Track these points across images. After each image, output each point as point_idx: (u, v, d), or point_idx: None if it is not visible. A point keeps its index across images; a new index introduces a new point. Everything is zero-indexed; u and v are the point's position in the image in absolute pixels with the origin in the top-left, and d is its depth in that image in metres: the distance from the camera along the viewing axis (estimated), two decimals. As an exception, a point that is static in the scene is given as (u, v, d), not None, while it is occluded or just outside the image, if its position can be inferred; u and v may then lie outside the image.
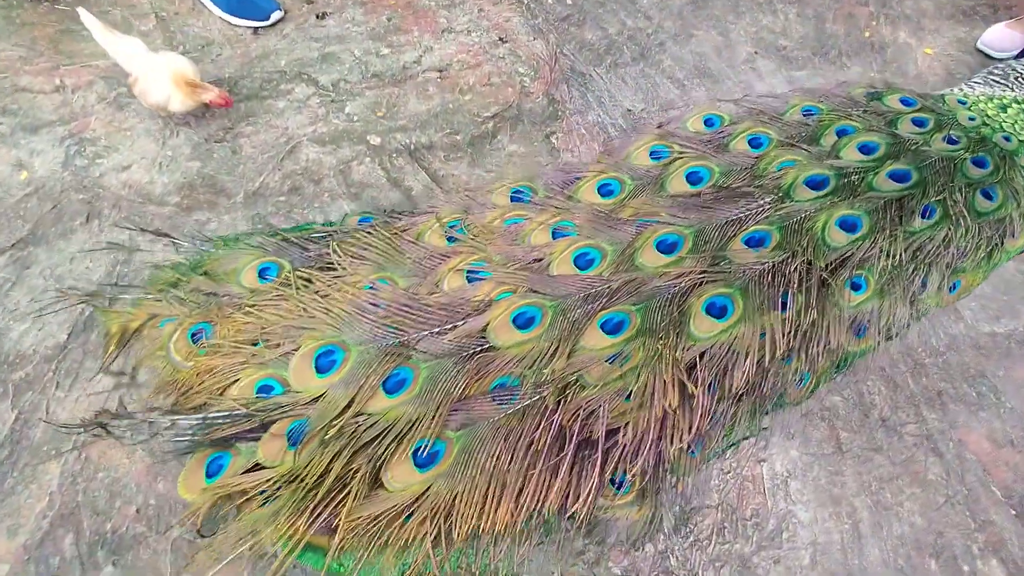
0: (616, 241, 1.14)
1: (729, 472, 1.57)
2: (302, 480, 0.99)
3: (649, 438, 1.03)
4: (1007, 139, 1.25)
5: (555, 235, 1.19)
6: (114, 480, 1.40)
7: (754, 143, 1.27)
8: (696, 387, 1.03)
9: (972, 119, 1.28)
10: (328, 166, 2.00)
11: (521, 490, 1.02)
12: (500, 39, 2.43)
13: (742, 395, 1.12)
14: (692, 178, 1.23)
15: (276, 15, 2.25)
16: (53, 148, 1.92)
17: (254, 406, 1.03)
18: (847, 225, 1.14)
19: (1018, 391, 1.78)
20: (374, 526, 1.01)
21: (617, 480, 1.11)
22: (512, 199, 1.30)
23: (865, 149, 1.21)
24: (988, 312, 1.91)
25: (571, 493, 1.04)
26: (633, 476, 1.08)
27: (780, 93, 1.50)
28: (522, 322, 1.07)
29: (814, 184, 1.18)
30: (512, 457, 1.01)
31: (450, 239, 1.24)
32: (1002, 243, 1.20)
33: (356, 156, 2.06)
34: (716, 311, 1.08)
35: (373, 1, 2.43)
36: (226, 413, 1.05)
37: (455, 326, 1.06)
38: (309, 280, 1.18)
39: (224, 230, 1.81)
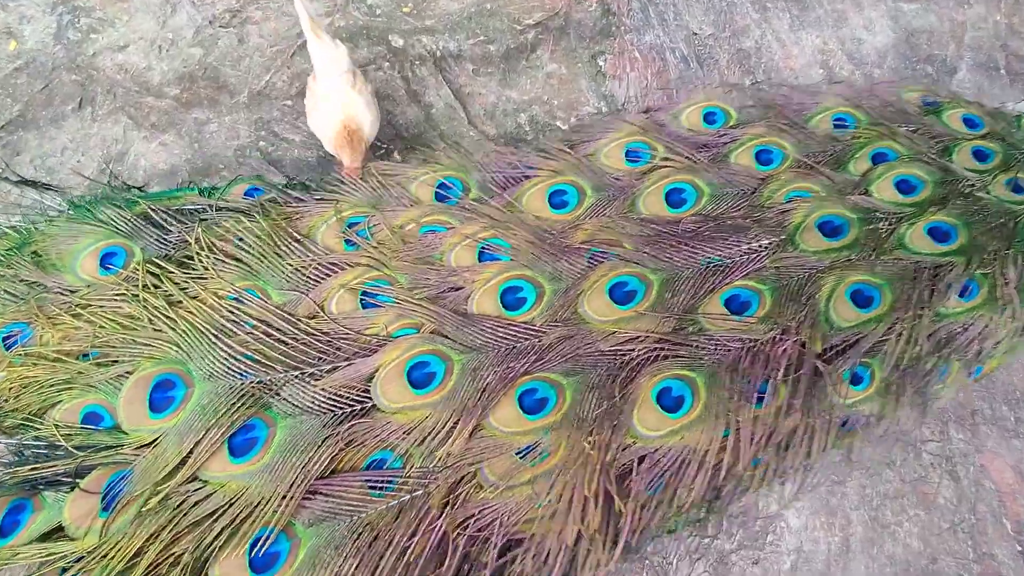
0: (559, 276, 0.90)
1: (725, 467, 1.50)
2: (107, 560, 0.77)
3: (557, 560, 0.81)
4: None
5: (482, 256, 0.94)
6: None
7: (763, 158, 1.01)
8: (626, 505, 0.81)
9: None
10: (342, 69, 1.79)
11: None
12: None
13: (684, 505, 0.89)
14: (673, 198, 0.98)
15: None
16: (44, 15, 1.74)
17: (77, 439, 0.83)
18: (861, 298, 0.90)
19: (1063, 422, 1.62)
20: None
21: None
22: (436, 196, 1.03)
23: (904, 186, 0.94)
24: (1055, 329, 1.70)
25: None
26: None
27: (813, 86, 1.15)
28: (419, 377, 0.85)
29: (829, 230, 0.92)
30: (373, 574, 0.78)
31: (348, 242, 0.98)
32: None
33: (374, 59, 1.82)
34: (669, 402, 0.85)
35: None
36: (45, 442, 0.85)
37: (335, 366, 0.84)
38: (159, 278, 0.93)
39: (225, 134, 1.66)
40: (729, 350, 0.86)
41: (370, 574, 0.78)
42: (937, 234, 0.92)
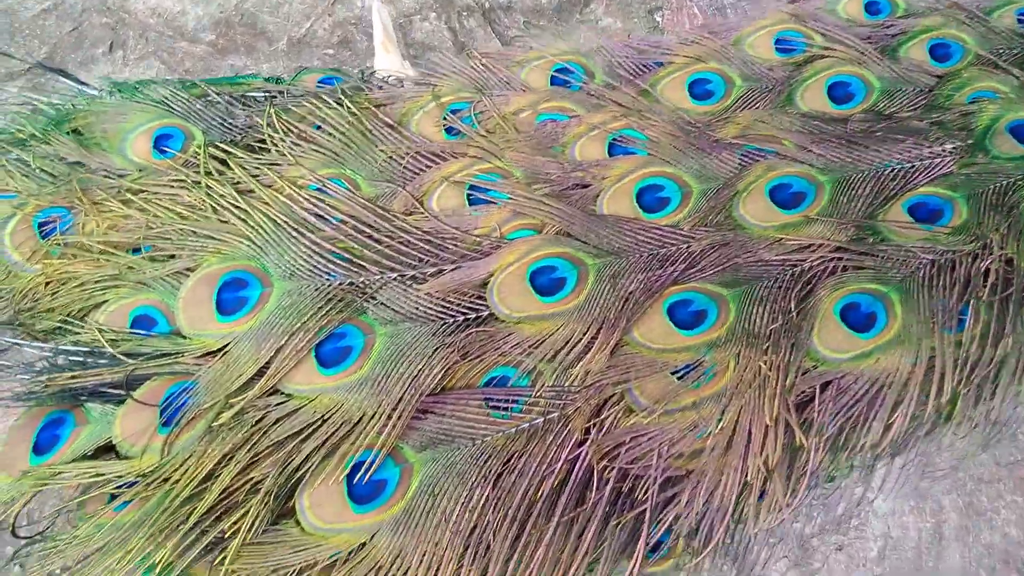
0: (708, 175, 0.78)
1: (804, 444, 1.38)
2: (171, 484, 0.67)
3: (730, 501, 0.70)
4: None
5: (613, 149, 0.82)
6: None
7: (939, 52, 0.89)
8: (809, 440, 0.70)
9: None
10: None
11: (508, 562, 0.67)
12: None
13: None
14: (837, 92, 0.87)
15: None
16: (74, -45, 1.64)
17: (126, 345, 0.72)
18: None
19: None
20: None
21: (652, 542, 0.75)
22: (553, 81, 0.90)
23: None
24: None
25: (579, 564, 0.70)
26: (677, 539, 0.74)
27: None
28: (545, 284, 0.74)
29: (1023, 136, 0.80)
30: (503, 511, 0.66)
31: (450, 130, 0.86)
32: None
33: (420, 8, 1.71)
34: (858, 319, 0.73)
35: None
36: (86, 348, 0.74)
37: (440, 270, 0.73)
38: (226, 164, 0.81)
39: (262, 82, 1.56)
40: (923, 264, 0.73)
41: (504, 508, 0.66)
42: None
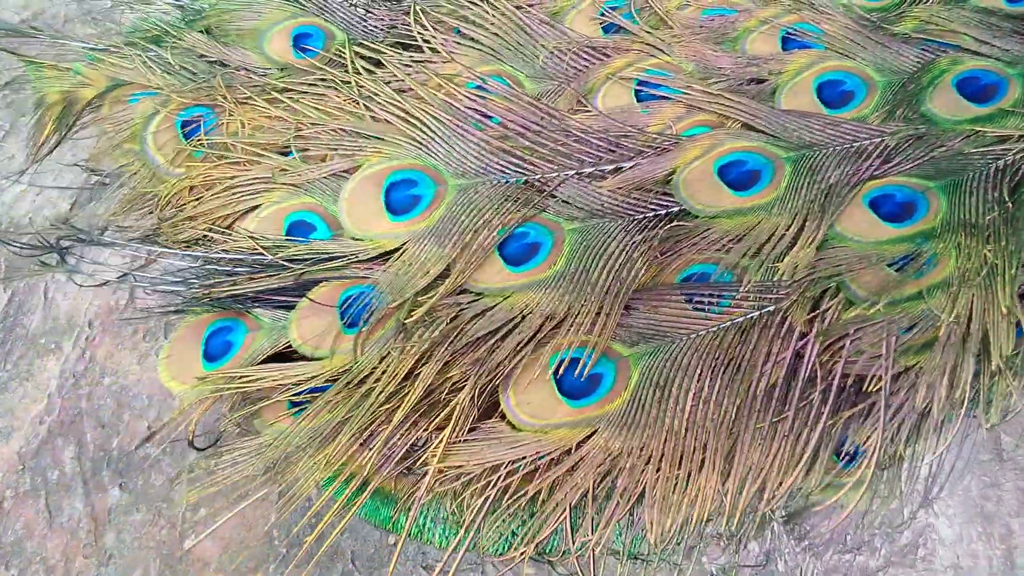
0: (890, 69, 0.74)
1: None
2: (363, 387, 0.64)
3: (961, 394, 0.73)
4: None
5: (787, 43, 0.79)
6: (122, 388, 1.16)
7: None
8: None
9: None
10: None
11: (732, 457, 0.68)
12: None
13: None
14: None
15: None
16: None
17: (286, 252, 0.69)
18: None
19: None
20: (482, 479, 0.66)
21: (846, 451, 0.77)
22: None
23: None
24: None
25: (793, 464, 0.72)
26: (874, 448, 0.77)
27: None
28: (736, 177, 0.71)
29: None
30: (731, 403, 0.66)
31: (609, 27, 0.82)
32: None
33: None
34: None
35: None
36: (238, 256, 0.70)
37: (619, 168, 0.70)
38: (378, 63, 0.78)
39: None
40: None
41: (731, 400, 0.65)
42: None
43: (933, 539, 1.24)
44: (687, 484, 0.68)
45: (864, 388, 0.71)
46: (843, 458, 0.80)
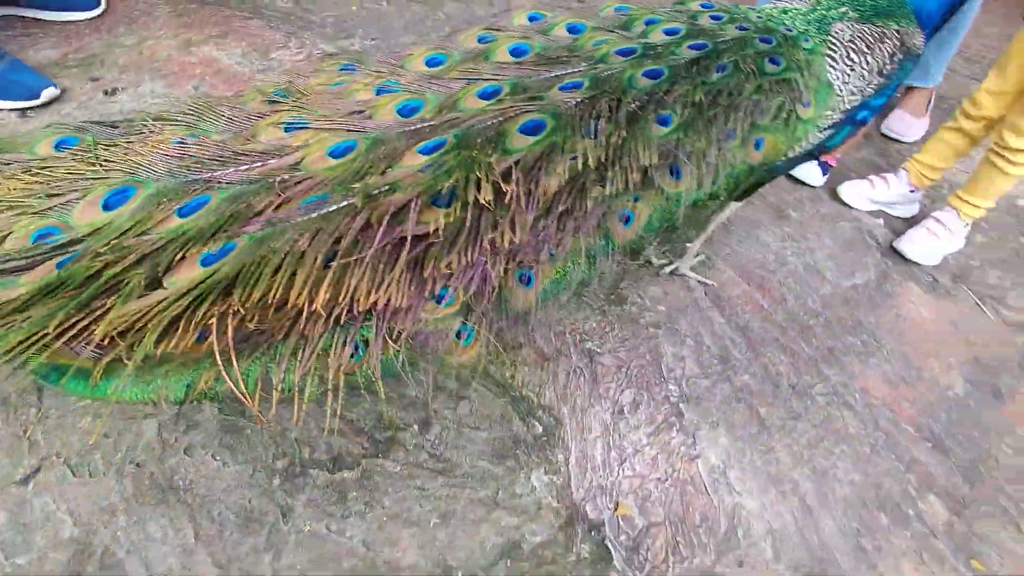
0: (440, 92, 1.16)
1: (666, 480, 1.42)
2: (64, 288, 0.88)
3: (464, 239, 1.01)
4: (789, 29, 1.39)
5: (380, 92, 1.17)
6: None
7: (572, 29, 1.34)
8: (509, 186, 1.03)
9: (760, 17, 1.42)
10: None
11: (324, 283, 0.95)
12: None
13: (563, 213, 1.11)
14: (515, 51, 1.26)
15: (49, 93, 1.93)
16: None
17: (29, 253, 0.92)
18: (652, 74, 1.21)
19: (891, 333, 1.87)
20: (147, 326, 0.90)
21: (438, 295, 1.06)
22: (341, 69, 1.31)
23: (670, 32, 1.32)
24: (844, 270, 2.04)
25: (387, 299, 0.99)
26: (455, 289, 1.05)
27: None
28: (338, 153, 1.04)
29: (625, 52, 1.25)
30: (311, 246, 0.94)
31: (272, 103, 1.21)
32: (795, 109, 1.30)
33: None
34: (530, 130, 1.09)
35: (176, 72, 2.21)
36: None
37: (266, 163, 1.02)
38: (114, 145, 1.08)
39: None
40: (569, 103, 1.13)
41: (309, 243, 0.95)
42: (696, 46, 1.28)
43: (744, 515, 1.39)
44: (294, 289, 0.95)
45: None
46: (438, 299, 1.06)
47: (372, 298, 0.96)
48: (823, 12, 1.43)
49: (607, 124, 1.13)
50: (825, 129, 1.42)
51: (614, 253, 1.22)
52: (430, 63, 1.25)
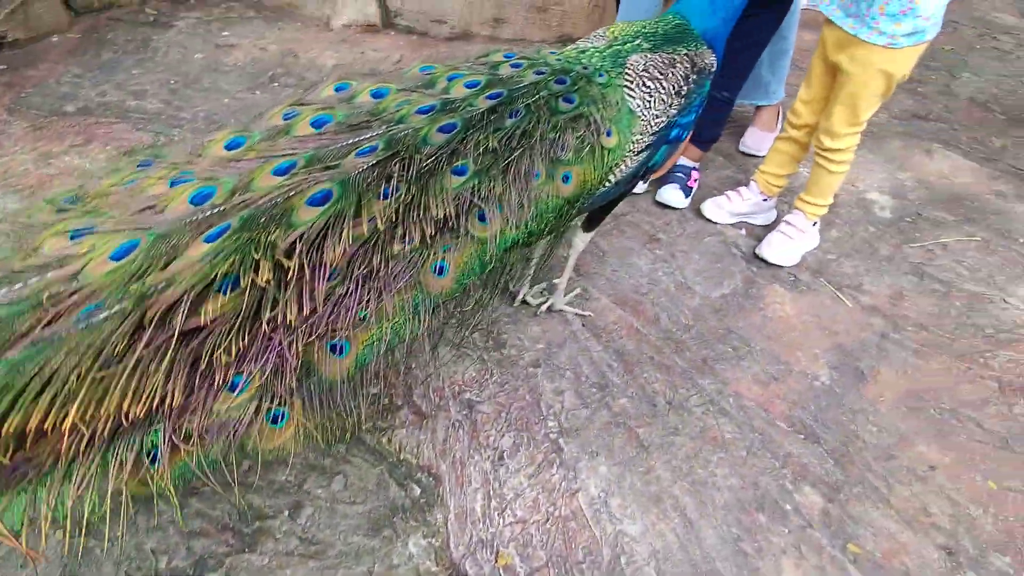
0: (235, 175, 1.15)
1: (547, 520, 1.42)
2: None
3: (241, 323, 1.00)
4: (586, 67, 1.50)
5: (174, 184, 1.16)
6: None
7: (377, 94, 1.37)
8: (291, 262, 1.04)
9: (559, 59, 1.52)
10: None
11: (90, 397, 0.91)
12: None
13: (364, 276, 1.13)
14: (317, 123, 1.28)
15: None
16: None
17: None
18: (446, 128, 1.26)
19: (759, 334, 1.96)
20: None
21: (231, 382, 1.03)
22: (139, 166, 1.28)
23: (470, 85, 1.38)
24: (711, 281, 2.14)
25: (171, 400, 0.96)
26: (248, 374, 1.03)
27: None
28: (119, 255, 1.02)
29: (424, 111, 1.30)
30: (75, 362, 0.90)
31: (61, 211, 1.17)
32: (597, 140, 1.40)
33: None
34: (318, 201, 1.11)
35: (34, 185, 2.16)
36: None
37: (44, 278, 0.98)
38: None
39: None
40: (360, 167, 1.16)
41: (76, 359, 0.91)
42: (492, 96, 1.35)
43: (626, 541, 1.40)
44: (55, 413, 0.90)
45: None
46: (232, 388, 1.04)
47: (139, 407, 0.93)
48: (618, 47, 1.56)
49: (399, 183, 1.17)
50: (640, 152, 1.52)
51: (438, 305, 1.25)
52: (230, 146, 1.26)
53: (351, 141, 1.22)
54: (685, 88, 1.55)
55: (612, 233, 2.29)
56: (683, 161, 2.50)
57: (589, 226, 1.79)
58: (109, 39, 3.05)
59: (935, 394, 1.82)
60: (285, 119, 1.30)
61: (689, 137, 1.73)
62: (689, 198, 2.46)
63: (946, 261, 2.31)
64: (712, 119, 2.41)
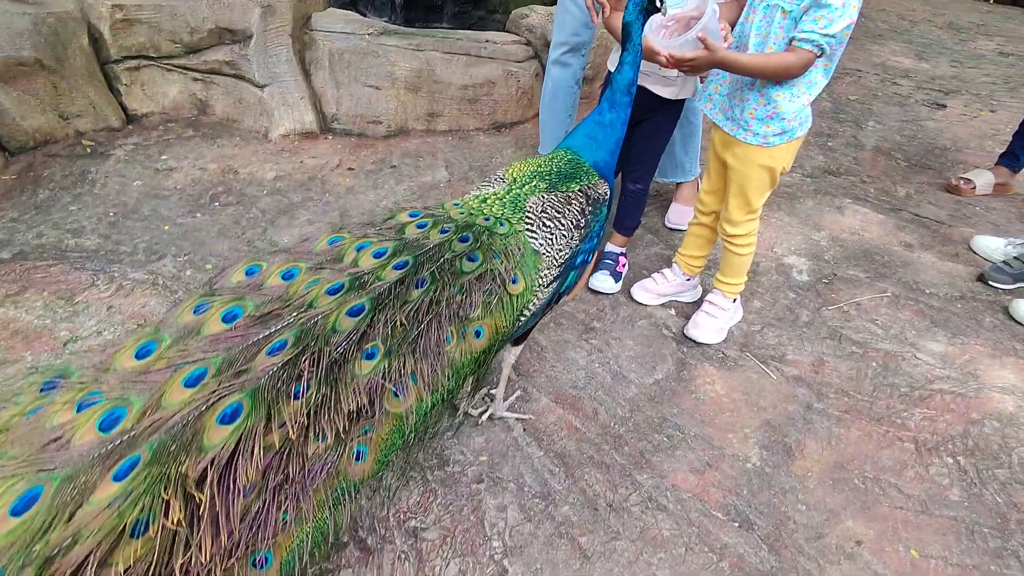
0: (145, 391, 1.14)
1: (495, 652, 1.44)
2: None
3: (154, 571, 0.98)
4: (487, 219, 1.56)
5: (80, 408, 1.13)
6: None
7: (287, 275, 1.40)
8: (203, 493, 1.03)
9: (462, 213, 1.59)
10: None
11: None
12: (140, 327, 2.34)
13: (280, 484, 1.13)
14: (228, 317, 1.30)
15: None
16: None
17: None
18: (354, 311, 1.29)
19: (692, 419, 2.06)
20: None
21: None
22: (42, 389, 1.25)
23: (378, 254, 1.44)
24: (646, 367, 2.25)
25: None
26: None
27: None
28: (19, 509, 0.96)
29: (333, 291, 1.34)
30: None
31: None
32: (505, 290, 1.47)
33: None
34: (228, 417, 1.12)
35: (-35, 350, 2.17)
36: None
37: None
38: None
39: None
40: (268, 371, 1.18)
41: None
42: (398, 266, 1.41)
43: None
44: None
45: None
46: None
47: None
48: (517, 191, 1.68)
49: (309, 381, 1.18)
50: (550, 284, 1.63)
51: (362, 488, 1.27)
52: (139, 354, 1.25)
53: (262, 336, 1.23)
54: (583, 220, 1.68)
55: (549, 326, 2.39)
56: (610, 247, 2.65)
57: (517, 342, 1.88)
58: (46, 176, 3.10)
59: (858, 462, 1.92)
60: (196, 313, 1.31)
61: (596, 257, 1.85)
62: (619, 283, 2.59)
63: (861, 321, 2.47)
64: (632, 209, 2.58)
